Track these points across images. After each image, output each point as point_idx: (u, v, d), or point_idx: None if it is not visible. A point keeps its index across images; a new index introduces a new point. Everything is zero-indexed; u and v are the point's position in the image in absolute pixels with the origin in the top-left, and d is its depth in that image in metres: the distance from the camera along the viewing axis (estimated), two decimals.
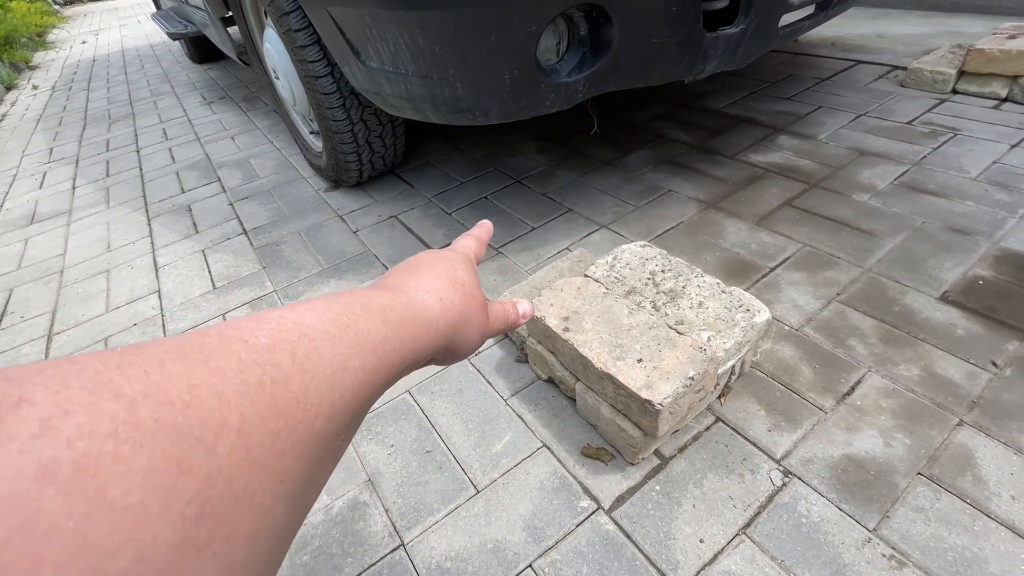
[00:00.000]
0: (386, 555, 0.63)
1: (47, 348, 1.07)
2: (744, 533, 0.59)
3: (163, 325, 1.07)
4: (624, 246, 0.84)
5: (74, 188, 1.83)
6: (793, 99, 1.58)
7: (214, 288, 1.16)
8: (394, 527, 0.66)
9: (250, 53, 1.60)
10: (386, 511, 0.67)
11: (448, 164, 1.53)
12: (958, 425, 0.66)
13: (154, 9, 3.94)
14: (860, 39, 1.96)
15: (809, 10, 1.06)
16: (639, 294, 0.74)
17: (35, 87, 3.64)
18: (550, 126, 1.64)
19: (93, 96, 3.09)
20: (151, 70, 3.50)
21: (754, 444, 0.68)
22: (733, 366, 0.71)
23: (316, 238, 1.28)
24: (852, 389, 0.73)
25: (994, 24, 1.90)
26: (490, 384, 0.82)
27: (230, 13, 1.57)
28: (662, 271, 0.78)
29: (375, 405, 0.82)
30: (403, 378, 0.79)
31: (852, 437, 0.67)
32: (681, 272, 0.77)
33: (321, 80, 1.14)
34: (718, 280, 0.74)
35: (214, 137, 2.07)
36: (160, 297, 1.17)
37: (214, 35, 1.87)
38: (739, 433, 0.70)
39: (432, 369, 0.86)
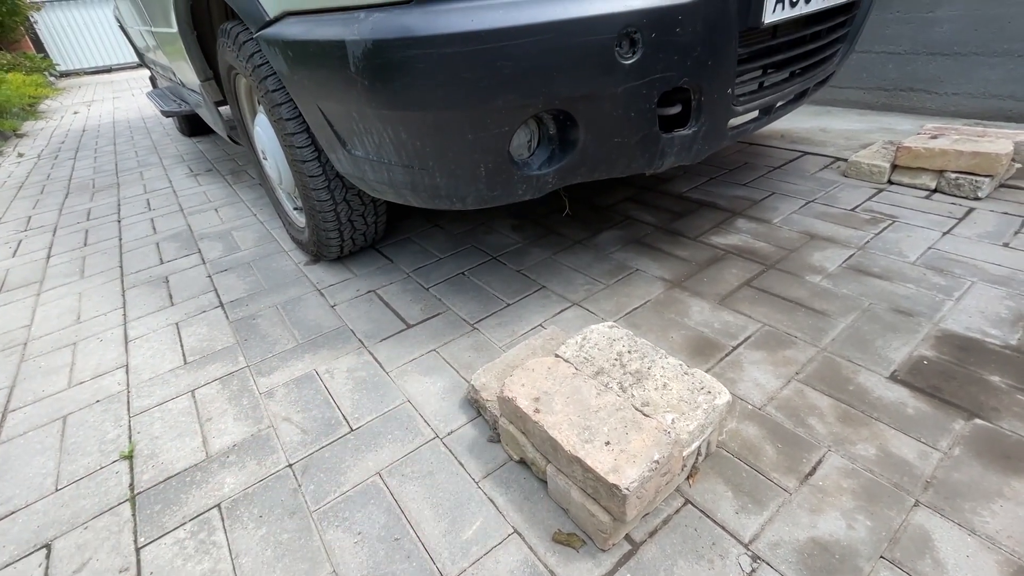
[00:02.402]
0: None
1: (0, 427, 1.02)
2: None
3: (128, 402, 1.05)
4: (593, 326, 0.88)
5: (48, 257, 1.82)
6: (748, 185, 1.72)
7: (185, 363, 1.15)
8: None
9: (240, 133, 1.68)
10: None
11: (427, 240, 1.59)
12: (914, 506, 0.69)
13: (150, 87, 4.11)
14: (806, 132, 2.16)
15: (754, 114, 1.18)
16: (607, 375, 0.77)
17: (20, 155, 3.68)
18: (525, 206, 1.74)
19: (79, 165, 3.14)
20: (140, 141, 3.60)
21: (722, 527, 0.69)
22: (699, 447, 0.73)
23: (293, 312, 1.29)
24: (814, 469, 0.75)
25: (919, 123, 2.14)
26: (462, 466, 0.82)
27: (223, 99, 1.67)
28: (628, 352, 0.81)
29: (344, 488, 0.80)
30: (374, 459, 0.77)
31: (816, 519, 0.68)
32: (646, 353, 0.80)
33: (308, 164, 1.20)
34: (681, 361, 0.78)
35: (198, 209, 2.11)
36: (127, 372, 1.14)
37: (206, 115, 1.97)
38: (708, 516, 0.70)
39: (405, 450, 0.86)
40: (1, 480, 0.89)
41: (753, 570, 0.64)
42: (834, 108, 2.48)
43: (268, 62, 1.14)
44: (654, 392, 0.73)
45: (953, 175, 1.48)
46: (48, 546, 0.77)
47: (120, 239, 1.89)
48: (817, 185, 1.66)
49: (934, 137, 1.57)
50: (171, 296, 1.44)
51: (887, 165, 1.61)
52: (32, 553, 0.76)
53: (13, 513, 0.83)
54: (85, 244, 1.89)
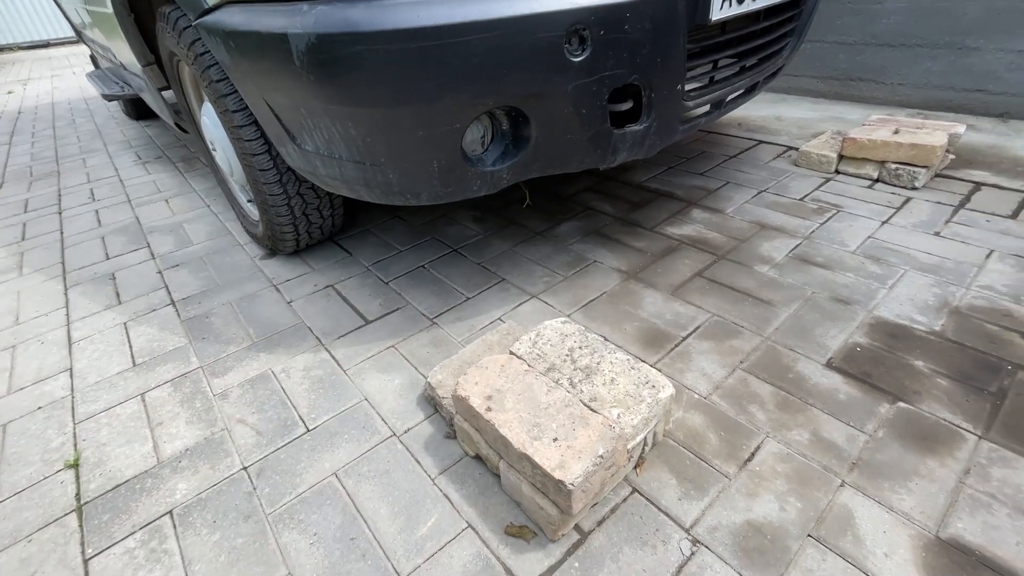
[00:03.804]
0: None
1: None
2: None
3: (72, 408, 1.01)
4: (547, 322, 0.89)
5: None
6: (705, 175, 1.75)
7: (134, 365, 1.11)
8: None
9: (187, 122, 1.61)
10: None
11: (387, 232, 1.57)
12: (840, 486, 0.74)
13: (91, 67, 3.86)
14: (762, 121, 2.22)
15: (705, 108, 1.21)
16: (558, 371, 0.79)
17: None
18: (486, 197, 1.73)
19: (15, 151, 2.95)
20: (83, 125, 3.40)
21: (666, 514, 0.72)
22: (645, 438, 0.76)
23: (248, 309, 1.27)
24: (752, 455, 0.79)
25: (868, 112, 2.22)
26: (419, 463, 0.83)
27: (167, 84, 1.58)
28: (580, 347, 0.83)
29: (300, 489, 0.80)
30: (330, 460, 0.77)
31: (752, 503, 0.73)
32: (596, 348, 0.83)
33: (258, 157, 1.17)
34: (628, 356, 0.81)
35: (147, 199, 2.02)
36: (72, 376, 1.10)
37: (151, 101, 1.87)
38: (653, 503, 0.74)
39: (361, 449, 0.86)
40: None
41: (692, 554, 0.67)
42: (789, 96, 2.54)
43: (210, 51, 1.09)
44: (602, 387, 0.75)
45: (893, 166, 1.55)
46: None
47: (62, 233, 1.80)
48: (769, 174, 1.71)
49: (877, 128, 1.63)
50: (118, 294, 1.39)
51: (834, 155, 1.67)
52: None
53: None
54: (23, 239, 1.79)
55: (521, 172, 0.99)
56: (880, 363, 0.93)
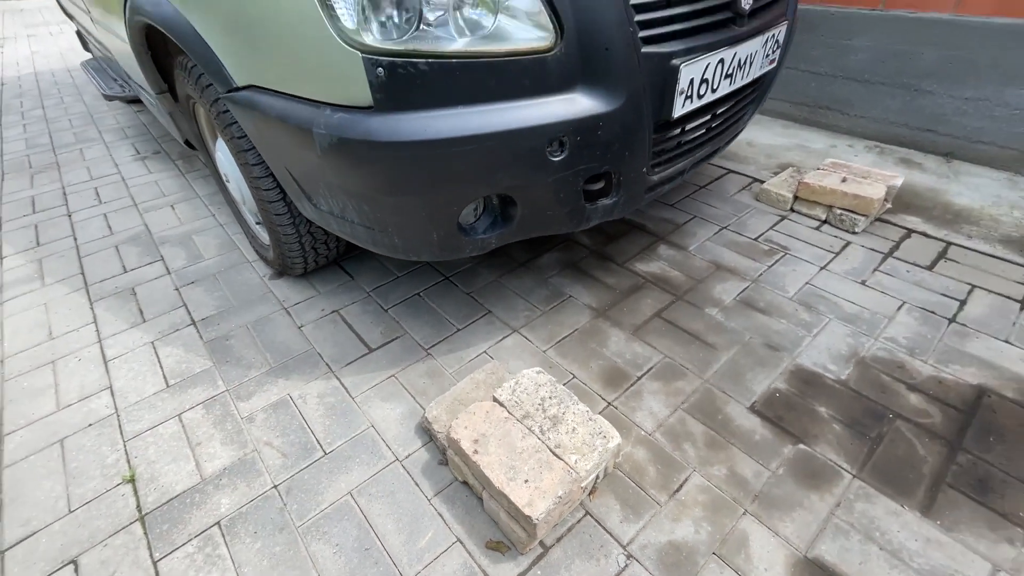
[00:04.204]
0: None
1: (0, 450, 1.15)
2: None
3: (120, 426, 1.19)
4: (524, 372, 1.09)
5: (1, 258, 1.83)
6: (675, 206, 1.93)
7: (167, 386, 1.29)
8: None
9: (199, 148, 1.72)
10: None
11: (386, 256, 1.73)
12: (743, 514, 0.96)
13: (66, 25, 3.80)
14: (735, 146, 2.39)
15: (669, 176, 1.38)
16: (531, 418, 0.99)
17: None
18: None
19: (8, 135, 2.97)
20: (73, 106, 3.40)
21: (609, 533, 0.94)
22: (597, 475, 0.97)
23: (263, 333, 1.43)
24: (680, 487, 1.01)
25: (832, 140, 2.41)
26: (417, 486, 1.03)
27: (178, 105, 1.68)
28: (550, 397, 1.03)
29: (322, 506, 1.00)
30: (345, 481, 0.97)
31: (675, 526, 0.95)
32: (563, 399, 1.03)
33: (273, 204, 1.31)
34: (587, 408, 1.01)
35: (152, 204, 2.13)
36: (112, 394, 1.27)
37: (157, 114, 1.96)
38: (600, 524, 0.96)
39: (370, 472, 1.06)
40: (16, 503, 1.04)
41: (626, 566, 0.90)
42: (764, 118, 2.70)
43: (230, 112, 1.21)
44: (565, 436, 0.96)
45: (839, 211, 1.75)
46: (75, 562, 0.94)
47: (75, 239, 1.92)
48: (732, 209, 1.90)
49: (828, 175, 1.82)
50: (142, 311, 1.54)
51: (790, 195, 1.86)
52: (61, 568, 0.93)
53: (35, 533, 0.99)
54: (38, 244, 1.90)
55: (507, 239, 1.16)
56: (792, 408, 1.16)
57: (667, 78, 1.04)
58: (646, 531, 0.94)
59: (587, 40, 0.92)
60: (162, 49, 1.50)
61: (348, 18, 0.83)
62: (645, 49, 0.99)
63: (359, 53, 0.85)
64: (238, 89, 1.09)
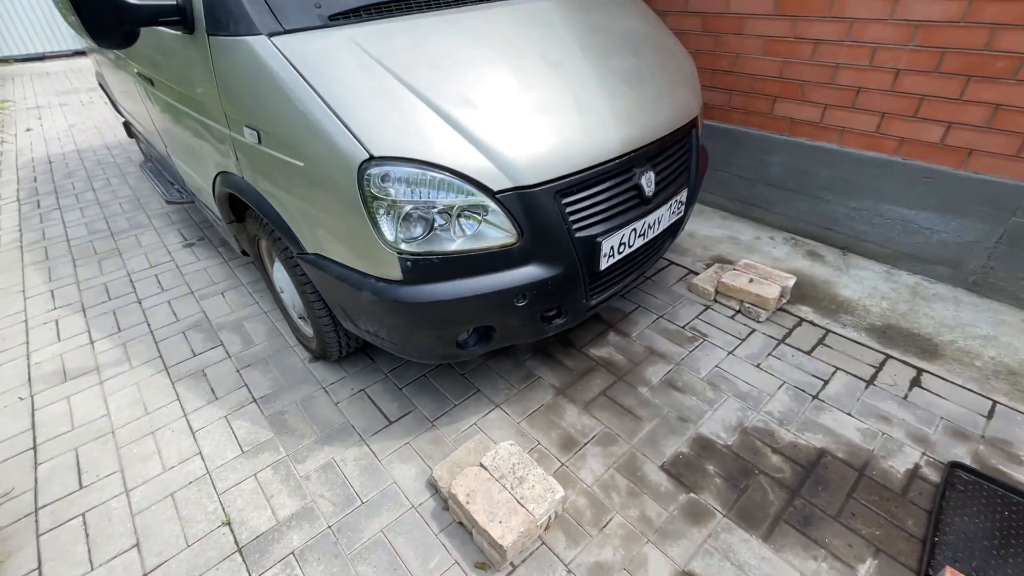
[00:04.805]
0: None
1: (129, 504, 1.61)
2: None
3: (213, 483, 1.66)
4: (502, 444, 1.58)
5: (92, 343, 2.31)
6: (625, 297, 2.46)
7: (242, 452, 1.76)
8: None
9: (257, 264, 2.24)
10: None
11: None
12: (646, 542, 1.44)
13: (96, 86, 4.32)
14: (680, 236, 2.94)
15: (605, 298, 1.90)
16: (505, 479, 1.48)
17: None
18: None
19: (68, 219, 3.49)
20: (119, 189, 3.93)
21: (557, 557, 1.42)
22: (549, 516, 1.45)
23: (309, 408, 1.92)
24: (606, 524, 1.49)
25: (758, 232, 2.97)
26: (428, 525, 1.51)
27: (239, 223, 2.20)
28: (518, 463, 1.52)
29: (363, 540, 1.47)
30: (377, 522, 1.44)
31: (600, 551, 1.43)
32: (527, 465, 1.52)
33: (322, 318, 1.82)
34: (543, 471, 1.50)
35: (206, 292, 2.63)
36: (203, 459, 1.74)
37: (214, 222, 2.47)
38: (551, 550, 1.43)
39: (394, 515, 1.54)
40: (149, 540, 1.50)
41: None
42: (706, 208, 3.28)
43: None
44: (527, 490, 1.45)
45: (747, 304, 2.29)
46: None
47: (149, 325, 2.40)
48: (669, 299, 2.43)
49: (741, 275, 2.37)
50: (213, 390, 2.02)
51: (713, 289, 2.40)
52: None
53: (167, 561, 1.45)
54: (119, 329, 2.39)
55: (488, 348, 1.67)
56: (690, 467, 1.65)
57: (594, 248, 1.57)
58: (581, 554, 1.42)
59: (538, 235, 1.46)
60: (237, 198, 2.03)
61: (389, 233, 1.36)
62: (578, 234, 1.52)
63: (395, 253, 1.37)
64: (307, 254, 1.61)
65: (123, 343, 2.30)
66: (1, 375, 2.14)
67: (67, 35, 9.58)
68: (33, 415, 1.94)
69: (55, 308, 2.56)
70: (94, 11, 1.33)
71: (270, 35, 1.36)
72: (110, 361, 2.20)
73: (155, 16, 1.42)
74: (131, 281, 2.76)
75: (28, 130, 5.55)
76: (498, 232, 1.43)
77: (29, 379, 2.12)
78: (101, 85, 3.98)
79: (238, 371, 2.11)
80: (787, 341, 2.16)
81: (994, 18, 1.99)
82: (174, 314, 2.48)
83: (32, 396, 2.03)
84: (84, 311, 2.53)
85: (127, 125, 4.22)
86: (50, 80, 8.13)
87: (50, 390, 2.06)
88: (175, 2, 1.45)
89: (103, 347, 2.28)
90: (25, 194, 3.94)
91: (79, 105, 6.54)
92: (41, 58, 9.40)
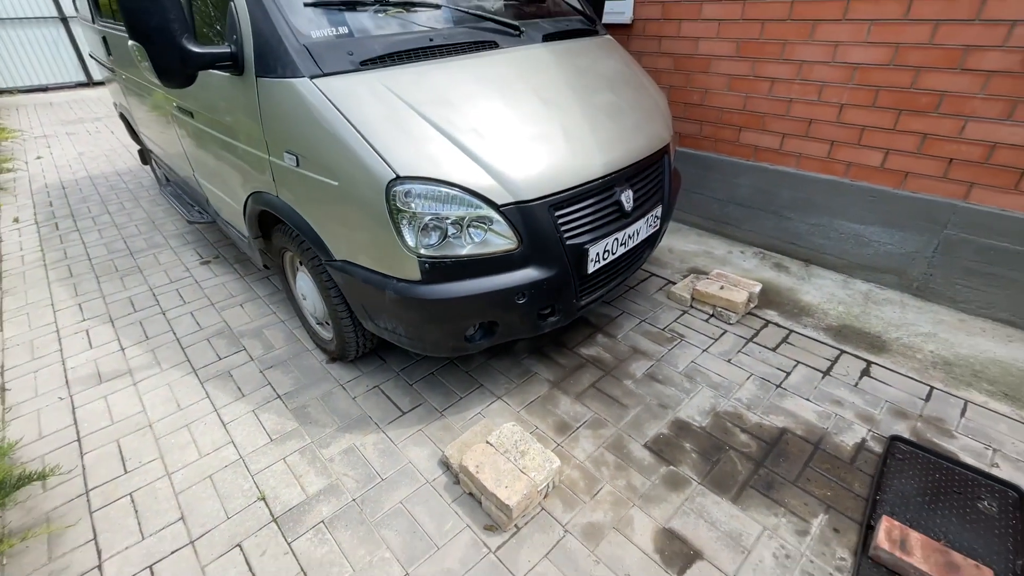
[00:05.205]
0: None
1: (171, 484, 1.79)
2: (547, 558, 1.53)
3: (246, 466, 1.85)
4: (505, 425, 1.81)
5: (123, 349, 2.50)
6: (612, 304, 2.73)
7: (271, 440, 1.96)
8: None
9: (276, 270, 2.47)
10: (399, 561, 1.53)
11: None
12: (632, 506, 1.67)
13: (123, 129, 4.56)
14: (659, 251, 3.24)
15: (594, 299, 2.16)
16: (509, 452, 1.70)
17: (16, 220, 4.10)
18: None
19: (88, 239, 3.69)
20: (134, 212, 4.15)
21: (555, 519, 1.64)
22: (547, 485, 1.67)
23: (330, 402, 2.13)
24: (597, 492, 1.72)
25: (730, 247, 3.28)
26: (441, 497, 1.72)
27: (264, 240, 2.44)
28: (520, 440, 1.75)
29: (384, 510, 1.67)
30: (397, 495, 1.65)
31: (592, 514, 1.65)
32: (528, 441, 1.74)
33: (343, 320, 2.05)
34: (542, 447, 1.73)
35: (226, 304, 2.84)
36: (235, 446, 1.94)
37: (236, 241, 2.71)
38: (550, 514, 1.65)
39: (412, 489, 1.74)
40: (193, 514, 1.69)
41: (564, 535, 1.58)
42: (683, 226, 3.59)
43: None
44: (529, 462, 1.67)
45: (719, 308, 2.57)
46: (240, 545, 1.59)
47: (175, 333, 2.61)
48: (650, 306, 2.70)
49: (714, 283, 2.65)
50: (240, 388, 2.22)
51: (689, 296, 2.68)
52: (232, 549, 1.58)
53: (210, 531, 1.63)
54: (146, 337, 2.59)
55: (491, 342, 1.91)
56: (669, 444, 1.89)
57: (582, 254, 1.84)
58: (576, 517, 1.64)
59: (535, 242, 1.72)
60: (267, 215, 2.28)
61: (410, 240, 1.61)
62: (568, 242, 1.79)
63: (415, 257, 1.62)
64: (335, 260, 1.86)
65: (152, 349, 2.50)
66: (39, 378, 2.32)
67: (70, 67, 9.89)
68: (74, 412, 2.13)
69: (84, 320, 2.75)
70: (163, 57, 1.60)
71: (311, 77, 1.64)
72: (141, 365, 2.39)
73: (213, 62, 1.70)
74: (154, 295, 2.96)
75: (39, 158, 5.76)
76: (501, 239, 1.69)
77: (67, 382, 2.30)
78: (122, 115, 4.24)
79: (261, 372, 2.32)
80: (755, 340, 2.43)
81: (918, 62, 2.35)
82: (197, 323, 2.68)
83: (71, 396, 2.21)
84: (112, 321, 2.72)
85: (142, 152, 4.48)
86: (54, 110, 8.37)
87: (87, 391, 2.25)
88: (230, 50, 1.73)
89: (133, 353, 2.47)
90: (43, 217, 4.13)
91: (86, 134, 6.78)
92: (44, 89, 9.67)
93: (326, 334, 2.36)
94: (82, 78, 10.02)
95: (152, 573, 1.52)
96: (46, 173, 5.22)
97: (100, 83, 10.17)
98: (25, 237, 3.80)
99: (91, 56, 4.47)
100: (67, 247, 3.60)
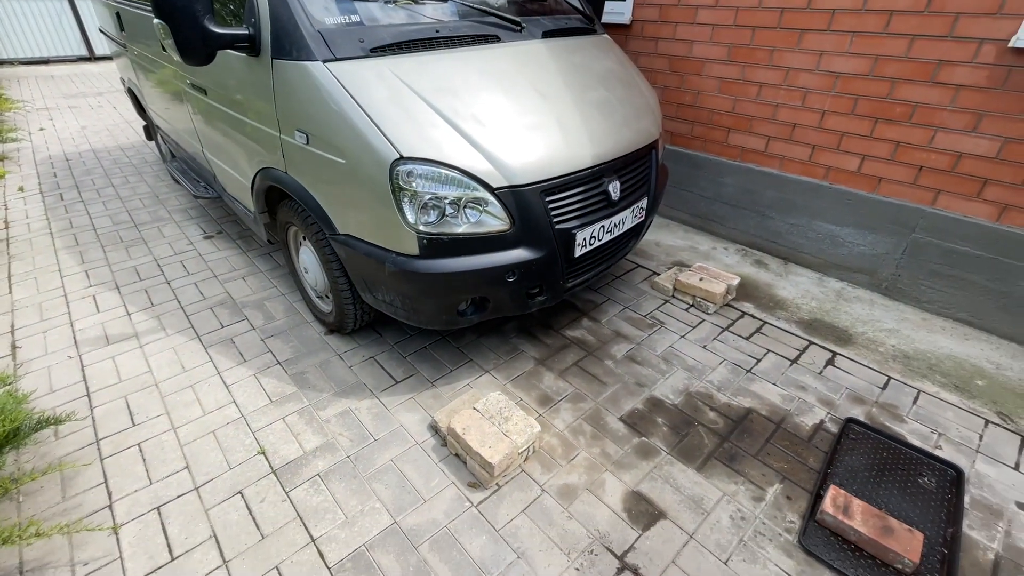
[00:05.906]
0: (389, 524, 1.62)
1: (177, 437, 1.92)
2: (524, 513, 1.67)
3: (247, 423, 1.98)
4: (491, 394, 1.94)
5: (129, 314, 2.61)
6: (598, 291, 2.87)
7: (271, 401, 2.09)
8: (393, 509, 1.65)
9: (280, 245, 2.59)
10: (388, 511, 1.67)
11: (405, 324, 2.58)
12: (605, 471, 1.81)
13: (127, 101, 4.63)
14: (646, 244, 3.38)
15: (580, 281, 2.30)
16: (494, 418, 1.84)
17: (20, 189, 4.18)
18: None
19: (92, 211, 3.77)
20: (138, 186, 4.23)
21: (534, 480, 1.78)
22: (528, 449, 1.82)
23: (327, 370, 2.26)
24: (574, 458, 1.86)
25: (714, 243, 3.43)
26: (429, 456, 1.85)
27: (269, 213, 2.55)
28: (504, 408, 1.89)
29: (376, 466, 1.81)
30: (388, 453, 1.79)
31: (568, 476, 1.79)
32: (512, 408, 1.88)
33: (343, 292, 2.17)
34: (524, 414, 1.87)
35: (228, 276, 2.95)
36: (237, 406, 2.06)
37: (240, 216, 2.82)
38: (529, 475, 1.79)
39: (402, 449, 1.88)
40: (197, 464, 1.81)
41: (540, 494, 1.73)
42: (671, 222, 3.74)
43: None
44: (511, 426, 1.81)
45: (699, 299, 2.71)
46: (241, 493, 1.72)
47: (179, 302, 2.72)
48: (634, 294, 2.84)
49: (695, 275, 2.80)
50: (242, 354, 2.34)
51: (671, 287, 2.82)
52: (234, 496, 1.71)
53: (213, 479, 1.76)
54: (152, 304, 2.70)
55: (484, 318, 2.05)
56: (643, 419, 2.03)
57: (570, 238, 1.97)
58: (553, 479, 1.78)
59: (527, 225, 1.86)
60: (274, 190, 2.39)
61: (410, 217, 1.74)
62: (557, 226, 1.93)
63: (415, 233, 1.75)
64: (339, 234, 1.98)
65: (157, 316, 2.61)
66: (48, 339, 2.43)
67: (72, 40, 9.87)
68: (83, 370, 2.24)
69: (91, 285, 2.86)
70: (186, 36, 1.71)
71: (324, 61, 1.76)
72: (147, 329, 2.50)
73: (232, 42, 1.81)
74: (159, 265, 3.07)
75: (41, 129, 5.81)
76: (495, 220, 1.82)
77: (75, 342, 2.41)
78: (130, 90, 4.31)
79: (262, 340, 2.44)
80: (730, 329, 2.58)
81: (894, 74, 2.49)
82: (201, 293, 2.80)
83: (80, 356, 2.33)
84: (118, 288, 2.83)
85: (147, 128, 4.56)
86: (56, 83, 8.37)
87: (95, 351, 2.36)
88: (248, 32, 1.84)
89: (139, 318, 2.58)
90: (47, 187, 4.21)
91: (88, 108, 6.82)
92: (45, 62, 9.65)
93: (325, 307, 2.48)
94: (84, 52, 10.00)
95: (160, 513, 1.65)
96: (49, 145, 5.28)
97: (102, 58, 10.16)
98: (31, 206, 3.88)
99: (101, 31, 4.54)
100: (72, 217, 3.69)
